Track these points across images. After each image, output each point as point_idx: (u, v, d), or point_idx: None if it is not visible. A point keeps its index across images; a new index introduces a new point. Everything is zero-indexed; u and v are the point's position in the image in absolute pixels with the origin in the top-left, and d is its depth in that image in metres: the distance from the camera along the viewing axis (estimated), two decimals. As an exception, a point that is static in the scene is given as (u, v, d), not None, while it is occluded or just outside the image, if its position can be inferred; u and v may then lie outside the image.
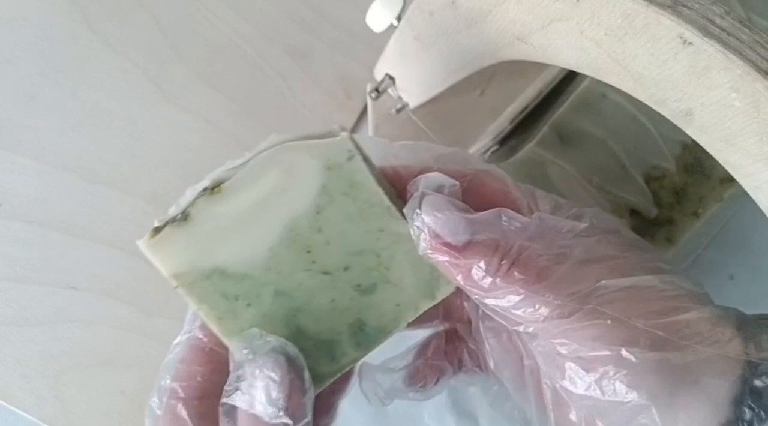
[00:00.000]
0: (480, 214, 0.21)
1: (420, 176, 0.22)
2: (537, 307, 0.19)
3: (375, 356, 0.26)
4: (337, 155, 0.24)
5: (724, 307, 0.21)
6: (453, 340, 0.27)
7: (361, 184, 0.24)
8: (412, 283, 0.25)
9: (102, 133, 0.39)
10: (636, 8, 0.18)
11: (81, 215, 0.38)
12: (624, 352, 0.18)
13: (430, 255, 0.21)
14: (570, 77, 0.35)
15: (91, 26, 0.40)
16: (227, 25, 0.41)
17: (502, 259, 0.20)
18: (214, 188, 0.23)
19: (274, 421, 0.20)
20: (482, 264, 0.20)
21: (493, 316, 0.21)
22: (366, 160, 0.24)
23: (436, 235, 0.21)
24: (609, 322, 0.19)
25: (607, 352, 0.19)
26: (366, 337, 0.25)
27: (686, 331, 0.19)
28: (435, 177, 0.22)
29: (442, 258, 0.21)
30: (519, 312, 0.20)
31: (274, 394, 0.21)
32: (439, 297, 0.25)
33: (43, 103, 0.39)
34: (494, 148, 0.37)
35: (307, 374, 0.22)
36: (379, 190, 0.24)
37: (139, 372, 0.38)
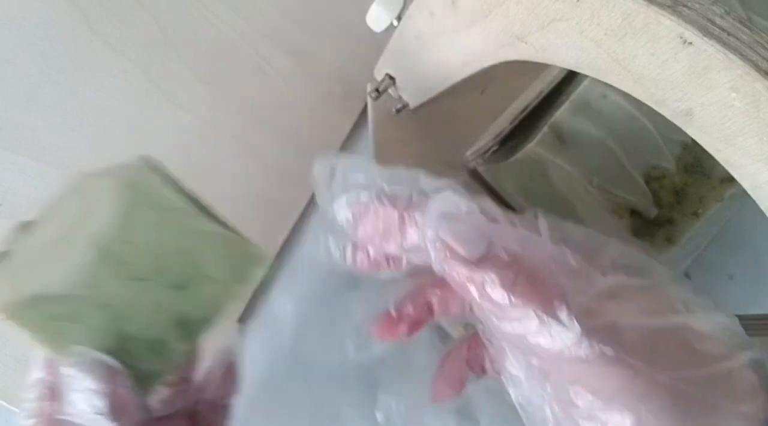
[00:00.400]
0: (499, 227, 0.20)
1: (433, 196, 0.22)
2: (553, 336, 0.18)
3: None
4: (134, 174, 0.26)
5: (761, 354, 0.19)
6: (475, 348, 0.27)
7: (159, 194, 0.26)
8: (225, 272, 0.27)
9: (102, 133, 0.39)
10: (636, 8, 0.18)
11: (81, 215, 0.38)
12: (644, 413, 0.17)
13: (444, 268, 0.20)
14: (570, 77, 0.35)
15: (91, 26, 0.40)
16: (227, 25, 0.41)
17: (517, 274, 0.19)
18: (27, 224, 0.24)
19: None
20: (496, 276, 0.19)
21: (509, 346, 0.20)
22: (158, 171, 0.26)
23: (449, 248, 0.20)
24: (631, 371, 0.17)
25: (627, 413, 0.17)
26: (191, 329, 0.26)
27: (715, 389, 0.17)
28: (449, 196, 0.22)
29: (456, 270, 0.20)
30: (534, 340, 0.18)
31: (96, 402, 0.22)
32: (252, 280, 0.27)
33: (43, 103, 0.39)
34: (494, 148, 0.37)
35: (127, 382, 0.24)
36: (175, 196, 0.26)
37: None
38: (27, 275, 0.24)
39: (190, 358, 0.28)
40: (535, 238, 0.20)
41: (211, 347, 0.29)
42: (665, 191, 0.30)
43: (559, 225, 0.22)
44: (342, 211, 0.24)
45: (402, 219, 0.22)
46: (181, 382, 0.28)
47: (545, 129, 0.30)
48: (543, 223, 0.21)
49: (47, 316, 0.24)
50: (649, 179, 0.30)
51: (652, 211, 0.30)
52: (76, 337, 0.25)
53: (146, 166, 0.26)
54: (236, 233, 0.28)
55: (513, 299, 0.18)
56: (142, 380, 0.26)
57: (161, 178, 0.26)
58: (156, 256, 0.26)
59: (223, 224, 0.28)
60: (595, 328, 0.18)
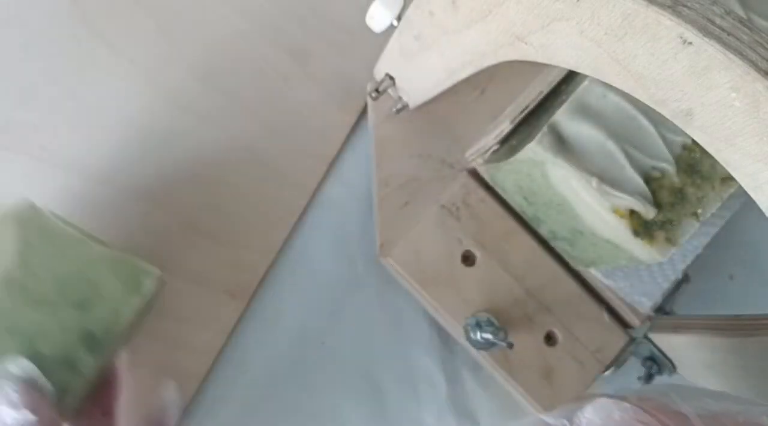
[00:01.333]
0: None
1: (587, 405, 0.21)
2: None
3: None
4: (23, 212, 0.31)
5: None
6: None
7: (51, 227, 0.31)
8: (119, 287, 0.31)
9: (102, 133, 0.39)
10: (636, 8, 0.18)
11: (81, 215, 0.38)
12: None
13: None
14: (570, 77, 0.35)
15: (91, 26, 0.40)
16: (227, 25, 0.41)
17: None
18: None
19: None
20: None
21: None
22: (41, 210, 0.31)
23: None
24: None
25: None
26: (98, 343, 0.30)
27: None
28: (605, 403, 0.21)
29: None
30: None
31: (16, 405, 0.24)
32: (146, 291, 0.31)
33: (43, 103, 0.39)
34: (494, 148, 0.37)
35: (44, 384, 0.26)
36: (67, 228, 0.31)
37: (140, 372, 0.38)
38: None
39: (106, 379, 0.31)
40: None
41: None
42: (665, 191, 0.30)
43: (697, 398, 0.21)
44: None
45: None
46: (100, 415, 0.30)
47: (545, 129, 0.30)
48: (691, 412, 0.21)
49: None
50: (648, 179, 0.30)
51: (652, 212, 0.30)
52: None
53: (31, 206, 0.31)
54: (122, 253, 0.32)
55: None
56: (59, 395, 0.29)
57: (47, 214, 0.31)
58: (55, 280, 0.30)
59: (109, 247, 0.32)
60: None
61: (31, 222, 0.31)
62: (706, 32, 0.17)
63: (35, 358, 0.28)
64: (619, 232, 0.30)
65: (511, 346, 0.36)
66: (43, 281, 0.30)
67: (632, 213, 0.30)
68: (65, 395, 0.29)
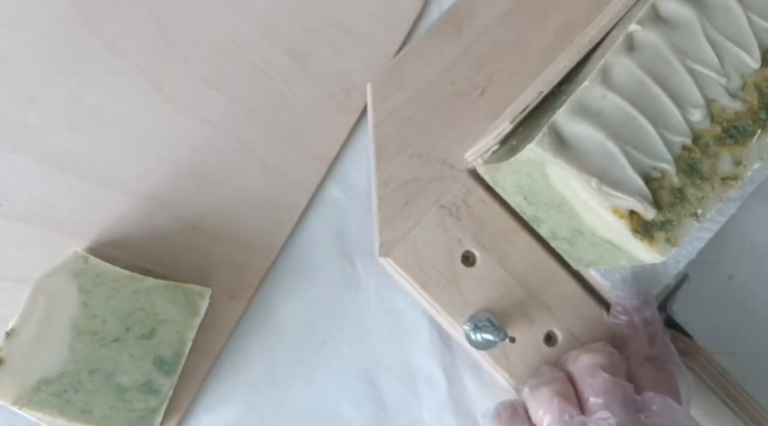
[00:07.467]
0: None
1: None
2: None
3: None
4: (76, 264, 0.34)
5: None
6: None
7: (103, 272, 0.34)
8: (178, 312, 0.34)
9: (102, 133, 0.39)
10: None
11: (81, 215, 0.38)
12: None
13: None
14: (570, 77, 0.35)
15: (91, 26, 0.40)
16: (227, 25, 0.41)
17: None
18: (9, 332, 0.31)
19: None
20: None
21: None
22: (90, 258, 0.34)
23: None
24: None
25: None
26: (169, 365, 0.34)
27: None
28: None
29: None
30: None
31: None
32: (202, 311, 0.35)
33: (43, 103, 0.39)
34: (494, 148, 0.37)
35: None
36: (117, 269, 0.34)
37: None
38: (24, 369, 0.31)
39: None
40: None
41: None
42: (665, 192, 0.30)
43: None
44: None
45: None
46: None
47: (545, 129, 0.30)
48: None
49: (52, 393, 0.31)
50: (648, 179, 0.30)
51: (652, 212, 0.30)
52: (81, 401, 0.32)
53: (82, 256, 0.34)
54: (171, 279, 0.35)
55: None
56: (145, 418, 0.33)
57: (97, 261, 0.34)
58: (119, 319, 0.33)
59: (159, 276, 0.35)
60: None
61: (84, 272, 0.33)
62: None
63: (119, 390, 0.32)
64: (619, 232, 0.30)
65: (513, 340, 0.36)
66: (108, 322, 0.33)
67: (632, 213, 0.30)
68: (151, 416, 0.33)
